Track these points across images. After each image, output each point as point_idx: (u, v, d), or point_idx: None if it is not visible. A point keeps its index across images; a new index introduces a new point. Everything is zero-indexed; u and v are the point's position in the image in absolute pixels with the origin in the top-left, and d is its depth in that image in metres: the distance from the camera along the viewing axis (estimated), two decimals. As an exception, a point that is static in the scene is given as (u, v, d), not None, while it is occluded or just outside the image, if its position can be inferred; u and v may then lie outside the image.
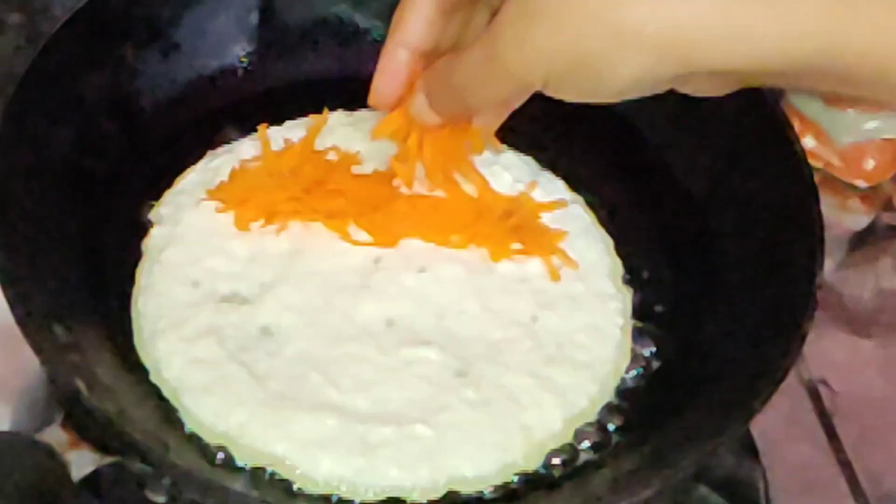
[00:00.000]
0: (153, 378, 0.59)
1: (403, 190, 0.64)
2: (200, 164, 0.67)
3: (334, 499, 0.55)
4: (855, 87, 0.50)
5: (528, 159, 0.69)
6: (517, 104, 0.59)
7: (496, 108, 0.60)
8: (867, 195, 0.80)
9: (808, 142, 0.78)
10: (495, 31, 0.52)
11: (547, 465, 0.58)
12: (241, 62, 0.73)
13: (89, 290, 0.61)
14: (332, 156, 0.66)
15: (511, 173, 0.67)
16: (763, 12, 0.47)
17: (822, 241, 0.60)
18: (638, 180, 0.69)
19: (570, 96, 0.52)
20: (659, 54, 0.48)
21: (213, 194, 0.64)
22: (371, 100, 0.61)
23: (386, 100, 0.60)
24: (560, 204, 0.66)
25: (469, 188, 0.64)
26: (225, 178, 0.65)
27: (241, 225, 0.63)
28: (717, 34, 0.48)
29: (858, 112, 0.78)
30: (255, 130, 0.67)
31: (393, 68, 0.59)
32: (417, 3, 0.58)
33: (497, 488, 0.57)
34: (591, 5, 0.49)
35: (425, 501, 0.56)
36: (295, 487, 0.56)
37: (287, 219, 0.63)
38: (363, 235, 0.63)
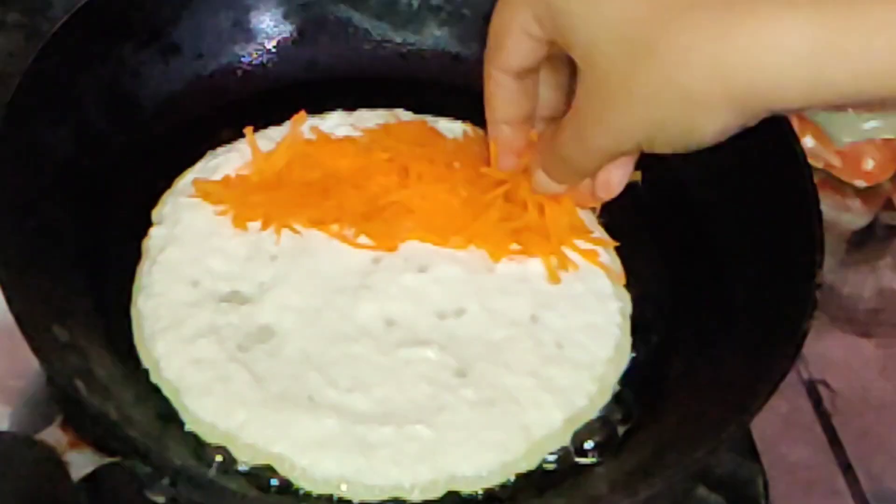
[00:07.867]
0: (153, 378, 0.59)
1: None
2: (200, 164, 0.67)
3: (334, 499, 0.56)
4: None
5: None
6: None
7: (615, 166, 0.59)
8: (867, 195, 0.80)
9: (807, 142, 0.78)
10: (577, 113, 0.54)
11: (547, 465, 0.58)
12: (241, 62, 0.73)
13: (89, 290, 0.61)
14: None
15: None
16: (846, 50, 0.47)
17: (822, 241, 0.60)
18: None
19: (666, 151, 0.54)
20: (737, 106, 0.49)
21: (200, 187, 0.65)
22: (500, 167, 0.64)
23: (514, 167, 0.63)
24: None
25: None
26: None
27: (239, 224, 0.64)
28: (796, 82, 0.48)
29: (858, 112, 0.78)
30: (256, 130, 0.67)
31: (505, 142, 0.62)
32: (497, 80, 0.60)
33: (497, 489, 0.57)
34: (655, 75, 0.49)
35: (425, 501, 0.56)
36: (295, 487, 0.56)
37: (285, 225, 0.64)
38: (363, 238, 0.63)
